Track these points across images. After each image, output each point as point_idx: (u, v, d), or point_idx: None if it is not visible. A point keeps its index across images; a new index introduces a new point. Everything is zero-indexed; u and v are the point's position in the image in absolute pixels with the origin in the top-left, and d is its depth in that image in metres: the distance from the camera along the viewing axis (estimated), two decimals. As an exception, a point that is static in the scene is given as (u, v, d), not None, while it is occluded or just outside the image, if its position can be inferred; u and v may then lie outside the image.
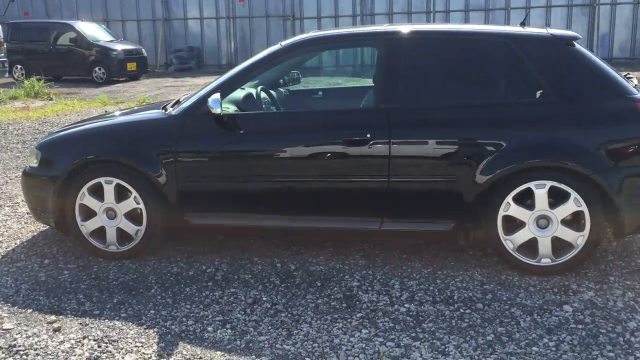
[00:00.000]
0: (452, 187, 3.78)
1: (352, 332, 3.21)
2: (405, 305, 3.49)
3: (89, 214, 4.25)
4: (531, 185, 3.67)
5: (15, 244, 4.65)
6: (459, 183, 3.75)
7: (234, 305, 3.56)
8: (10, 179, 6.53)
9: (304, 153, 3.93)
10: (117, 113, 5.01)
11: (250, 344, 3.13)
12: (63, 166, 4.21)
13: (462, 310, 3.40)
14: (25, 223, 5.11)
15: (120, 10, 21.29)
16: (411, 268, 3.98)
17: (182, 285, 3.86)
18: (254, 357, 3.01)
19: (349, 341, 3.12)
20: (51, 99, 13.49)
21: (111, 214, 4.20)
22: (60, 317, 3.48)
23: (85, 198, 4.20)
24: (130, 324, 3.38)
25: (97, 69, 16.60)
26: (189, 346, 3.13)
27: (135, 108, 5.63)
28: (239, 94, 4.29)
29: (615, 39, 17.83)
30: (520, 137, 3.68)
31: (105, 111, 10.53)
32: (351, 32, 4.52)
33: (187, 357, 3.02)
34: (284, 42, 4.24)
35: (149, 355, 3.04)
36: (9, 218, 5.24)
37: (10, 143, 8.57)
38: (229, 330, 3.27)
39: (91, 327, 3.34)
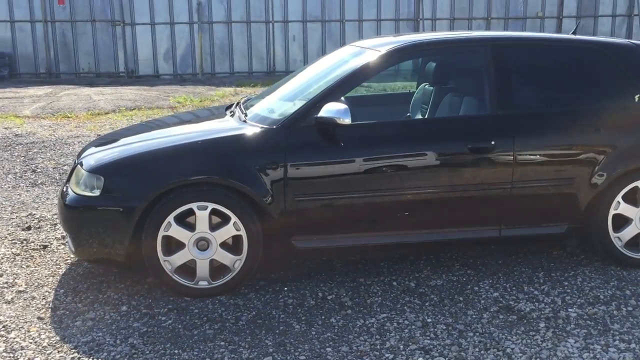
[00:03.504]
0: (570, 190, 3.89)
1: (561, 343, 3.15)
2: (569, 310, 3.50)
3: (173, 246, 3.60)
4: (638, 183, 3.92)
5: (56, 291, 3.76)
6: (576, 186, 3.87)
7: (407, 332, 3.27)
8: (-62, 214, 5.24)
9: (426, 163, 3.77)
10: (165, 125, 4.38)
11: (482, 370, 2.91)
12: (143, 193, 3.51)
13: (624, 309, 3.51)
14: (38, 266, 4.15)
15: None
16: (524, 274, 4.00)
17: (323, 316, 3.45)
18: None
19: (571, 353, 3.05)
20: None
21: (203, 244, 3.60)
22: (233, 371, 2.91)
23: (171, 229, 3.55)
24: (326, 367, 2.95)
25: None
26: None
27: (188, 116, 5.01)
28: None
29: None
30: (632, 138, 3.92)
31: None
32: (461, 37, 4.42)
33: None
34: (381, 47, 3.96)
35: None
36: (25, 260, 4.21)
37: None
38: None
39: (287, 378, 2.85)
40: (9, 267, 4.14)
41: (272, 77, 17.70)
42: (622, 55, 4.06)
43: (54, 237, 4.67)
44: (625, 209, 3.95)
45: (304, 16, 18.74)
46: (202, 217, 3.56)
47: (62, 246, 4.51)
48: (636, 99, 4.02)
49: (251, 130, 3.78)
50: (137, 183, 3.57)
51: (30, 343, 3.17)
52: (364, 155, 3.69)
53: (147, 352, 3.08)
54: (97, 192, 3.58)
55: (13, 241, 4.61)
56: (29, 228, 4.89)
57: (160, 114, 11.12)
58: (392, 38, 4.31)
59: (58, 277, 3.99)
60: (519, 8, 19.33)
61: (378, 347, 3.12)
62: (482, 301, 3.62)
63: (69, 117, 10.85)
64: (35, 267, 4.15)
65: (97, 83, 17.24)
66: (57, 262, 4.22)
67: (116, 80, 17.99)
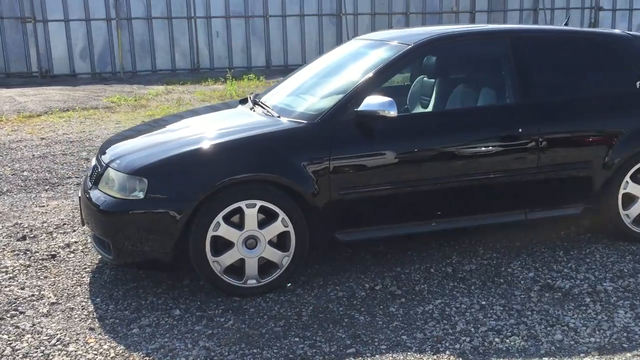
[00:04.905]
0: (586, 173, 4.13)
1: (614, 314, 3.36)
2: (604, 284, 3.73)
3: (220, 246, 3.52)
4: (644, 164, 4.23)
5: (92, 301, 3.58)
6: (592, 168, 4.12)
7: (470, 315, 3.38)
8: None
9: (466, 152, 3.90)
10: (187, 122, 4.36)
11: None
12: (192, 194, 3.41)
13: (650, 280, 3.80)
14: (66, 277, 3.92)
15: None
16: (545, 253, 4.20)
17: (381, 306, 3.50)
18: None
19: (628, 323, 3.27)
20: None
21: (252, 243, 3.55)
22: (323, 366, 2.90)
23: (220, 228, 3.47)
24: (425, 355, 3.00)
25: None
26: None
27: (208, 111, 4.92)
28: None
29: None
30: (637, 122, 4.21)
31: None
32: (485, 30, 4.54)
33: None
34: (405, 41, 4.05)
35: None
36: (40, 271, 3.95)
37: None
38: (520, 339, 3.13)
39: None
40: (26, 279, 3.90)
41: (197, 74, 17.38)
42: (623, 46, 4.36)
43: (57, 246, 4.43)
44: (633, 188, 4.24)
45: (226, 12, 18.49)
46: (250, 215, 3.51)
47: (72, 254, 4.29)
48: (637, 86, 4.33)
49: (291, 125, 3.75)
50: (185, 184, 3.46)
51: (96, 355, 3.02)
52: (406, 146, 3.77)
53: (226, 353, 3.01)
54: (140, 195, 3.44)
55: (15, 252, 4.33)
56: (24, 238, 4.60)
57: (98, 114, 10.70)
58: (401, 31, 4.40)
59: (86, 286, 3.80)
60: (435, 3, 20.00)
61: (450, 331, 3.21)
62: (522, 281, 3.79)
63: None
64: (55, 277, 3.92)
65: (10, 84, 16.26)
66: (76, 270, 4.02)
67: (30, 80, 17.03)
